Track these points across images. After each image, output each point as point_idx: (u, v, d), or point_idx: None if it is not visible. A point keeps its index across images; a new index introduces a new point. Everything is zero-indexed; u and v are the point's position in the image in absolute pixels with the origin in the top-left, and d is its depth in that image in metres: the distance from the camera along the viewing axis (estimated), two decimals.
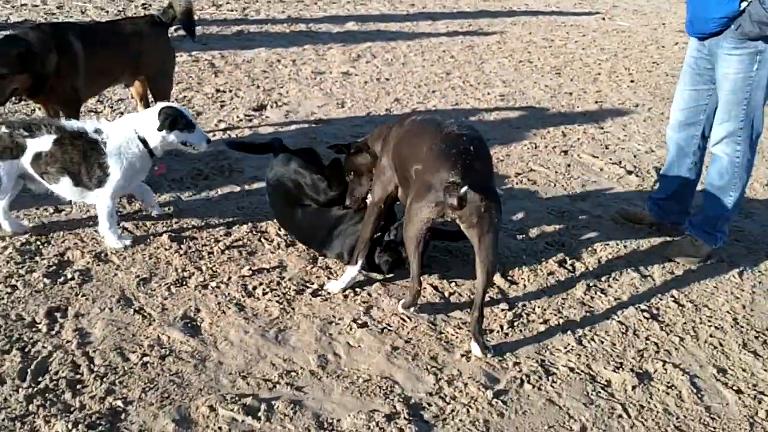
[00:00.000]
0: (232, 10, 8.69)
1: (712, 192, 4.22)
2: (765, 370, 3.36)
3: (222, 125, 5.44)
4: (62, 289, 3.40)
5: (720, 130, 4.11)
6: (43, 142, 3.58)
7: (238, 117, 5.62)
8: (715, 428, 3.00)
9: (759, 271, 4.32)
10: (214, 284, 3.55)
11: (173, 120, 3.69)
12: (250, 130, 5.40)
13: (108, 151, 3.63)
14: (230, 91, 6.14)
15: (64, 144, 3.59)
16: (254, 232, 4.08)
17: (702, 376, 3.35)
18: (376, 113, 6.09)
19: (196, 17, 5.07)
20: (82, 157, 3.61)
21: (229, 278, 3.61)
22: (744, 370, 3.41)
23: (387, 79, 6.97)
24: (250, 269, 3.70)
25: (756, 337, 3.66)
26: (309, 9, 9.21)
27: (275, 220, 4.13)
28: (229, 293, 3.50)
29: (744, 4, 3.79)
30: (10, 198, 3.76)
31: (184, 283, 3.54)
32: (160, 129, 3.68)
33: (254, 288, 3.56)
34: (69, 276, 3.49)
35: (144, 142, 3.71)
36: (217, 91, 6.12)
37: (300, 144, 5.22)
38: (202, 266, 3.68)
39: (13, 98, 4.18)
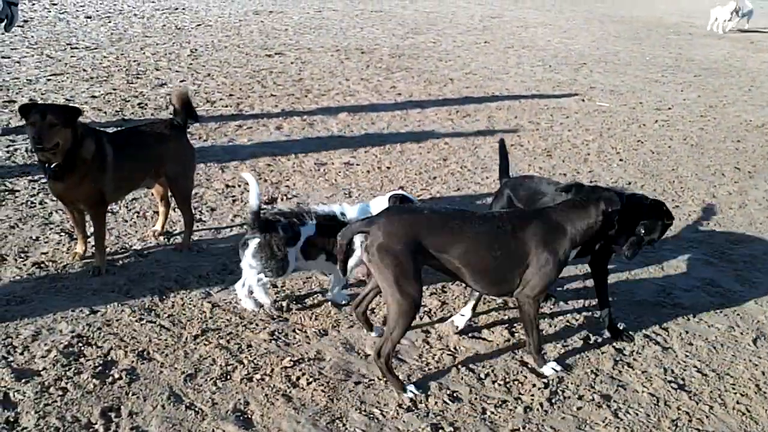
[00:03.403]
0: (226, 106, 8.95)
1: None
2: None
3: (237, 220, 5.59)
4: (112, 388, 3.46)
5: None
6: (310, 229, 4.20)
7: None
8: None
9: None
10: (258, 376, 3.64)
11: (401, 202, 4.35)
12: None
13: None
14: (239, 185, 6.32)
15: (321, 228, 4.20)
16: (287, 323, 4.18)
17: None
18: None
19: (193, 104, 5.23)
20: (334, 236, 3.89)
21: (272, 370, 3.70)
22: None
23: (388, 168, 7.22)
24: (290, 360, 3.79)
25: None
26: (301, 102, 9.52)
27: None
28: (274, 384, 3.58)
29: None
30: None
31: (229, 377, 3.62)
32: None
33: (298, 378, 3.65)
34: (116, 375, 3.55)
35: None
36: (227, 186, 6.29)
37: None
38: (243, 359, 3.77)
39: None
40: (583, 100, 11.33)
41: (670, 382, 3.94)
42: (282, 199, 6.09)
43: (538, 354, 3.96)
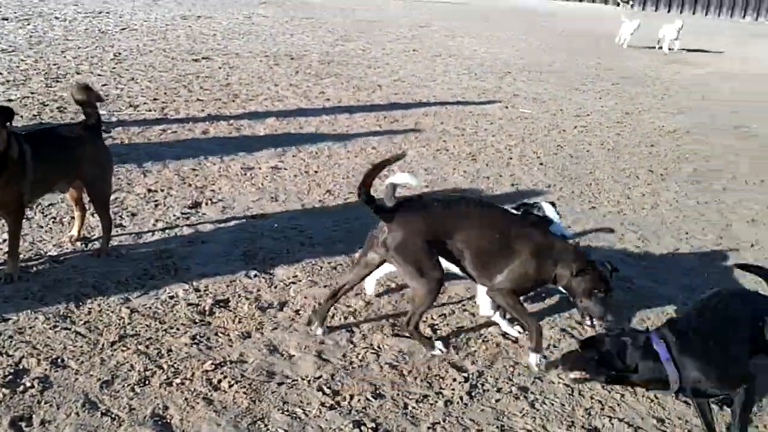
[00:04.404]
0: (150, 110, 8.81)
1: None
2: (696, 416, 3.66)
3: (160, 224, 5.51)
4: (23, 397, 3.36)
5: None
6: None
7: (174, 215, 5.70)
8: None
9: None
10: (178, 381, 3.59)
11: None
12: (190, 228, 5.49)
13: None
14: (162, 190, 6.22)
15: None
16: (209, 327, 4.14)
17: (644, 426, 3.70)
18: (309, 205, 6.30)
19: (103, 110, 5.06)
20: None
21: (193, 374, 3.66)
22: (679, 418, 3.78)
23: (315, 172, 7.22)
24: (212, 363, 3.76)
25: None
26: (228, 107, 9.44)
27: None
28: (194, 388, 3.55)
29: None
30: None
31: (148, 382, 3.57)
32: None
33: (219, 381, 3.62)
34: (28, 384, 3.45)
35: None
36: (149, 191, 6.19)
37: (240, 239, 5.38)
38: (162, 364, 3.72)
39: None
40: (506, 107, 11.57)
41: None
42: (207, 204, 6.02)
43: (534, 339, 4.10)
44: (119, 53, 11.97)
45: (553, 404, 3.77)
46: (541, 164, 8.47)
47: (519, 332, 4.43)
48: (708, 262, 6.03)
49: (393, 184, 4.05)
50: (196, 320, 4.20)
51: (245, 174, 6.91)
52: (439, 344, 4.16)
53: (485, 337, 4.39)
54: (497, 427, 3.53)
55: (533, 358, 4.08)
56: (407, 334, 4.17)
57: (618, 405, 3.83)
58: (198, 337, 4.02)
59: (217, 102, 9.66)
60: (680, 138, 10.74)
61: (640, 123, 11.48)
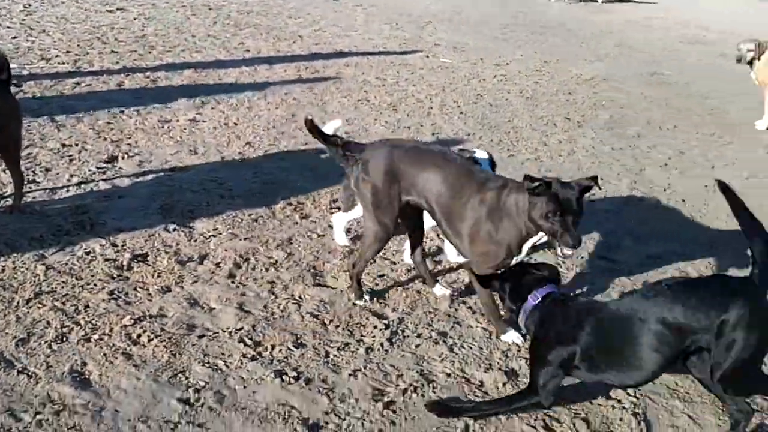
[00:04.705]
0: (63, 63, 8.48)
1: None
2: None
3: (74, 179, 5.37)
4: None
5: None
6: None
7: (90, 170, 5.56)
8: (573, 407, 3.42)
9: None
10: (96, 336, 3.56)
11: None
12: (106, 183, 5.37)
13: None
14: (77, 144, 6.05)
15: None
16: (127, 282, 4.10)
17: None
18: (229, 158, 6.24)
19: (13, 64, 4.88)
20: None
21: (111, 329, 3.63)
22: None
23: (235, 124, 7.13)
24: (131, 318, 3.73)
25: None
26: (144, 59, 9.17)
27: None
28: (113, 343, 3.52)
29: None
30: None
31: (65, 339, 3.52)
32: None
33: (138, 336, 3.60)
34: None
35: None
36: (63, 145, 6.00)
37: (158, 193, 5.30)
38: (80, 320, 3.67)
39: None
40: (427, 57, 11.61)
41: (501, 317, 4.20)
42: (123, 158, 5.89)
43: (495, 322, 4.00)
44: (29, 4, 11.44)
45: (471, 348, 3.88)
46: (462, 113, 8.57)
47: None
48: (622, 205, 6.26)
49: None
50: (114, 275, 4.14)
51: (162, 127, 6.77)
52: (367, 297, 4.20)
53: (405, 285, 4.48)
54: (417, 371, 3.62)
55: (510, 336, 3.95)
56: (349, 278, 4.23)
57: None
58: (116, 292, 3.97)
59: (132, 54, 9.37)
60: (597, 86, 11.01)
61: (558, 71, 11.70)
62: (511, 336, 3.94)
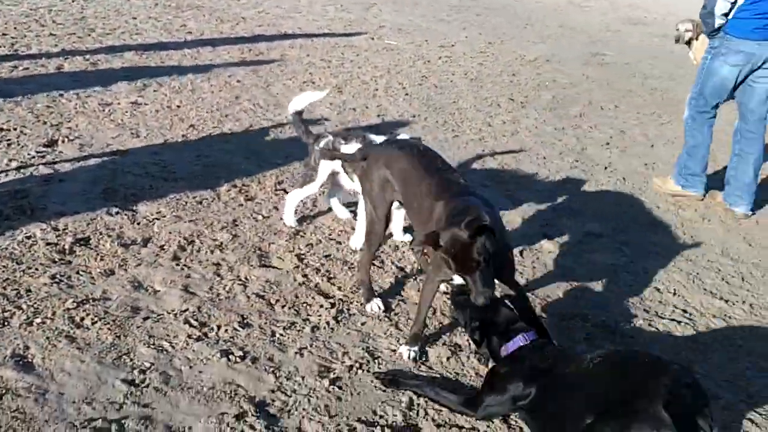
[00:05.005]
0: None
1: None
2: None
3: (14, 164, 5.26)
4: None
5: None
6: (351, 148, 4.41)
7: (29, 154, 5.45)
8: None
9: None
10: (38, 320, 3.51)
11: None
12: (46, 167, 5.27)
13: None
14: (15, 129, 5.91)
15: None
16: (70, 266, 4.05)
17: None
18: (172, 141, 6.17)
19: None
20: None
21: (54, 312, 3.59)
22: None
23: (178, 107, 7.05)
24: (74, 302, 3.70)
25: None
26: (83, 41, 8.96)
27: None
28: (56, 327, 3.48)
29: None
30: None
31: (7, 323, 3.47)
32: None
33: (82, 319, 3.57)
34: None
35: None
36: (1, 130, 5.86)
37: (100, 177, 5.23)
38: (22, 305, 3.62)
39: None
40: (372, 39, 11.61)
41: (445, 293, 4.28)
42: (63, 142, 5.78)
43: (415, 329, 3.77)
44: None
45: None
46: (407, 95, 8.62)
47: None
48: (563, 183, 6.41)
49: (297, 111, 4.84)
50: (56, 259, 4.09)
51: (103, 110, 6.66)
52: (377, 302, 4.04)
53: (351, 264, 4.53)
54: (363, 348, 3.68)
55: (405, 350, 3.71)
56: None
57: None
58: (58, 276, 3.93)
59: (71, 37, 9.16)
60: (540, 67, 11.17)
61: (502, 52, 11.83)
62: (404, 352, 3.68)
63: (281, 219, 4.95)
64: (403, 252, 4.77)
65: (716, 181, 6.58)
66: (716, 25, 5.77)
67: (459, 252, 3.14)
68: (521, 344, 3.27)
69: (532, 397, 3.06)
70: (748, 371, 3.87)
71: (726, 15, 5.69)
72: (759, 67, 5.74)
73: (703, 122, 6.20)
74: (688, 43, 9.18)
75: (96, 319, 3.59)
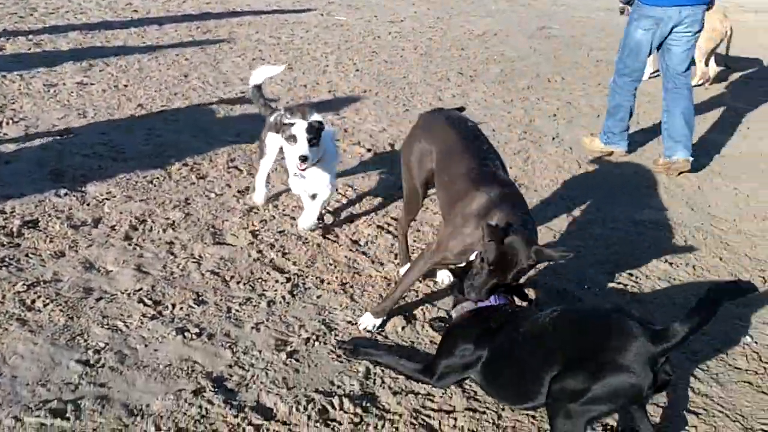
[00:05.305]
0: None
1: None
2: None
3: None
4: None
5: None
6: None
7: None
8: None
9: None
10: None
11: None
12: None
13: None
14: None
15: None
16: (18, 249, 4.00)
17: None
18: (121, 120, 6.08)
19: None
20: None
21: (4, 296, 3.54)
22: None
23: (125, 86, 6.94)
24: (24, 284, 3.65)
25: None
26: (25, 21, 8.74)
27: None
28: (6, 311, 3.44)
29: None
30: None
31: None
32: None
33: (33, 301, 3.53)
34: None
35: None
36: None
37: (47, 158, 5.14)
38: None
39: None
40: (322, 15, 11.56)
41: (398, 264, 4.35)
42: (8, 123, 5.66)
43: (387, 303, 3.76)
44: None
45: (371, 296, 4.01)
46: (357, 70, 8.61)
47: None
48: (512, 155, 6.49)
49: (256, 85, 4.81)
50: (4, 242, 4.02)
51: (48, 91, 6.53)
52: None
53: (305, 239, 4.55)
54: (319, 321, 3.72)
55: (368, 319, 3.73)
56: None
57: (432, 292, 4.14)
58: (7, 259, 3.86)
59: (12, 17, 8.94)
60: (488, 41, 11.25)
61: (451, 27, 11.88)
62: (366, 321, 3.72)
63: (234, 196, 4.94)
64: (357, 226, 4.80)
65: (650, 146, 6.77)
66: None
67: (510, 260, 3.17)
68: (472, 307, 3.35)
69: (485, 360, 3.14)
70: None
71: None
72: (672, 31, 6.25)
73: (624, 84, 6.63)
74: None
75: (48, 301, 3.55)
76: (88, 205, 4.58)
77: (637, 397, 2.69)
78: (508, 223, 3.24)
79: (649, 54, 6.59)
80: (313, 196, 4.54)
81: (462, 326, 3.32)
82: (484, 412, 3.20)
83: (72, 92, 6.57)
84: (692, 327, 2.63)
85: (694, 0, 6.09)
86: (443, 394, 3.28)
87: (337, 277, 4.15)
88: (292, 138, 4.22)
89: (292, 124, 4.25)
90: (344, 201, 5.16)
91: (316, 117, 4.39)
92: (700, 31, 6.27)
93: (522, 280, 3.53)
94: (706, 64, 9.58)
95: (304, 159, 4.20)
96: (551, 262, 4.07)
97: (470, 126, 3.94)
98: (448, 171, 3.69)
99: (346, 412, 3.09)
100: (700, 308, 2.66)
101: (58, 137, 5.56)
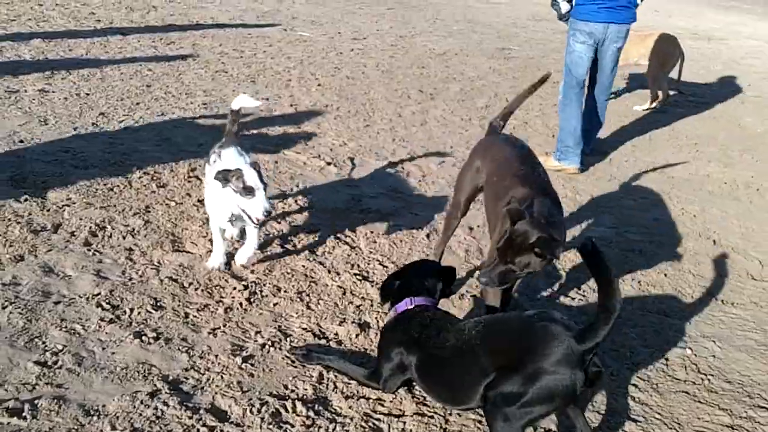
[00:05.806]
0: None
1: None
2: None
3: None
4: None
5: None
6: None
7: None
8: None
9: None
10: None
11: None
12: None
13: None
14: None
15: None
16: None
17: None
18: (82, 129, 6.12)
19: None
20: None
21: None
22: None
23: (87, 94, 6.97)
24: None
25: None
26: None
27: None
28: None
29: None
30: None
31: None
32: None
33: None
34: None
35: None
36: None
37: (7, 164, 5.16)
38: None
39: None
40: (285, 30, 11.68)
41: (356, 275, 4.47)
42: None
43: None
44: None
45: (327, 304, 4.12)
46: (319, 85, 8.75)
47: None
48: None
49: (233, 110, 4.54)
50: None
51: (9, 98, 6.54)
52: None
53: (264, 248, 4.64)
54: (275, 327, 3.81)
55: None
56: None
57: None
58: None
59: None
60: (449, 60, 11.47)
61: (413, 46, 12.09)
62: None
63: (194, 205, 5.01)
64: (315, 237, 4.91)
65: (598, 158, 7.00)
66: (563, 11, 6.93)
67: (516, 243, 3.30)
68: (405, 308, 3.44)
69: (416, 365, 3.24)
70: (633, 341, 4.19)
71: (570, 2, 6.87)
72: (602, 44, 6.80)
73: (572, 97, 7.00)
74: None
75: (6, 303, 3.60)
76: (48, 210, 4.62)
77: (572, 396, 2.83)
78: (529, 208, 3.38)
79: (590, 64, 6.98)
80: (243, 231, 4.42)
81: (390, 330, 3.43)
82: (432, 417, 3.32)
83: (33, 99, 6.59)
84: (607, 318, 2.78)
85: (620, 18, 6.65)
86: (393, 398, 3.40)
87: (293, 286, 4.25)
88: (248, 191, 3.87)
89: (240, 173, 3.88)
90: (304, 213, 5.26)
91: (245, 156, 4.26)
92: (622, 47, 6.87)
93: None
94: (659, 88, 9.88)
95: (269, 213, 3.99)
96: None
97: (522, 144, 4.27)
98: (498, 175, 3.93)
99: (298, 415, 3.19)
100: (604, 297, 2.79)
101: (19, 144, 5.59)
